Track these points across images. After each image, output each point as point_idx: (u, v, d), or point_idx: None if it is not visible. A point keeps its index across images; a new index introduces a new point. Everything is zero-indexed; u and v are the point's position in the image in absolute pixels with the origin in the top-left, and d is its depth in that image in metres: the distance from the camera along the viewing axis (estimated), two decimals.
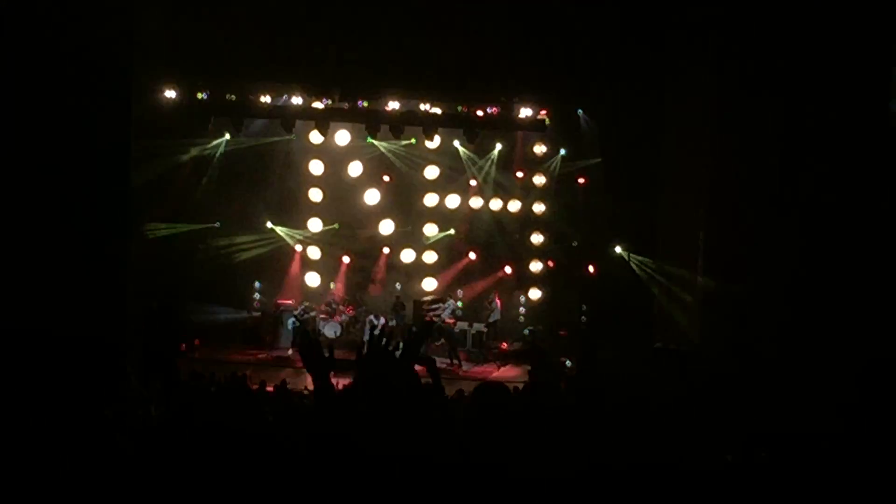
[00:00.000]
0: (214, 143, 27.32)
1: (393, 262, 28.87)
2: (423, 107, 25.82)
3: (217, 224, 27.79)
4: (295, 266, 28.99)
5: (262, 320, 28.35)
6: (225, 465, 7.41)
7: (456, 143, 27.45)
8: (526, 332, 27.66)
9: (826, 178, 19.89)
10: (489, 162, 27.69)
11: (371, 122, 26.28)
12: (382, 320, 27.19)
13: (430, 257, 28.82)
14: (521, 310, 28.52)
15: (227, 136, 27.32)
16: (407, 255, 28.80)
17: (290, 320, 27.25)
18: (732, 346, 20.58)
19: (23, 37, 20.69)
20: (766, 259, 20.72)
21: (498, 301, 27.79)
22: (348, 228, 28.82)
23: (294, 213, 28.71)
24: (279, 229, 28.49)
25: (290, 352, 26.69)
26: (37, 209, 21.17)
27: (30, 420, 10.08)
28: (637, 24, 22.40)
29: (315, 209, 28.72)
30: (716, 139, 21.97)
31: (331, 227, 28.70)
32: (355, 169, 28.41)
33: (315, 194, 28.61)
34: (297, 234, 28.65)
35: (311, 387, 6.00)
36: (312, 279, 29.02)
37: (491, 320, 27.60)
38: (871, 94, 19.45)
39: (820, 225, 19.99)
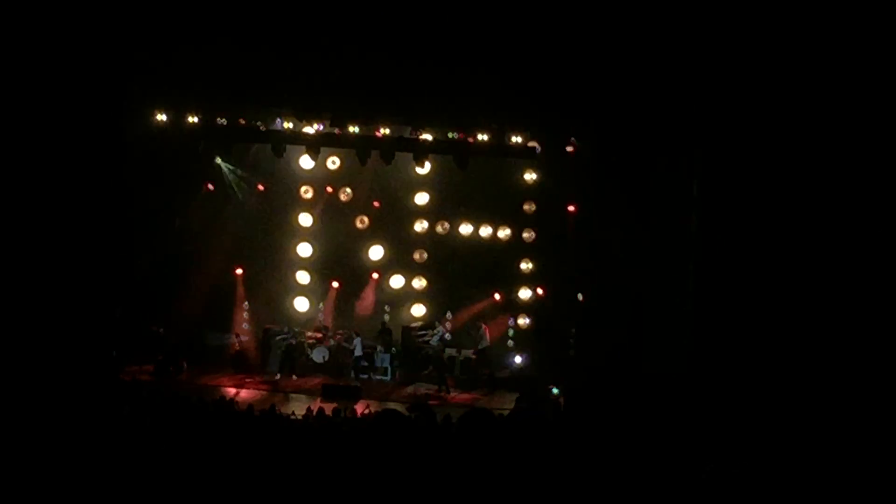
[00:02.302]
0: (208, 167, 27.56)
1: (382, 288, 28.85)
2: (414, 133, 25.96)
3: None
4: (283, 290, 28.98)
5: (250, 344, 28.29)
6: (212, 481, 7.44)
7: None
8: (518, 359, 27.59)
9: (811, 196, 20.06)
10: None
11: (362, 148, 26.36)
12: (357, 343, 27.18)
13: (419, 283, 28.81)
14: (510, 332, 28.49)
15: (219, 159, 27.47)
16: (396, 281, 28.80)
17: (280, 341, 27.32)
18: (723, 374, 20.63)
19: (17, 60, 20.74)
20: (757, 288, 20.80)
21: (486, 329, 27.75)
22: (338, 253, 28.81)
23: (284, 237, 28.75)
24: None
25: (277, 376, 26.70)
26: (29, 229, 21.20)
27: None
28: (628, 59, 22.47)
29: (305, 234, 28.74)
30: (706, 166, 22.11)
31: (319, 251, 28.74)
32: (346, 194, 28.44)
33: (305, 219, 28.62)
34: None
35: (298, 412, 6.03)
36: (301, 304, 29.00)
37: (480, 347, 27.59)
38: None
39: (813, 243, 20.10)
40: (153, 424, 13.73)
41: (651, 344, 23.45)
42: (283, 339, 27.33)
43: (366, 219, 28.53)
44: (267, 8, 22.46)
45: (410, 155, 26.62)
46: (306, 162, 27.54)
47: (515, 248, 28.13)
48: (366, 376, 27.11)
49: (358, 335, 27.49)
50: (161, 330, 26.84)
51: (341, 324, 28.44)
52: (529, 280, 28.11)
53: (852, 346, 19.03)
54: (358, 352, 27.21)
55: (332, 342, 27.64)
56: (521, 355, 27.43)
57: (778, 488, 9.81)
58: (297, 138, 26.36)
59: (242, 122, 25.95)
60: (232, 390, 24.54)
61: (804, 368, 19.38)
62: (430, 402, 22.69)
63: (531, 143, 26.01)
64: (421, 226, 28.50)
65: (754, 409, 18.42)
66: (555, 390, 24.84)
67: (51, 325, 20.67)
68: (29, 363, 18.48)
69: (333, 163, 28.03)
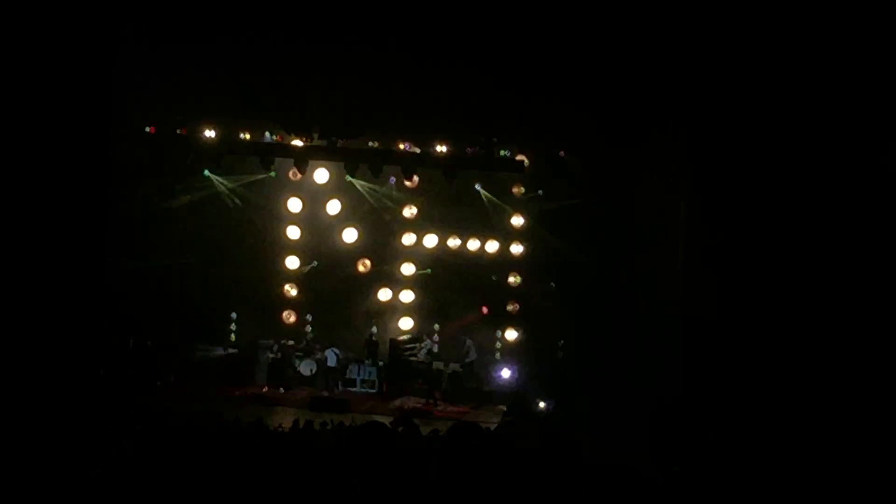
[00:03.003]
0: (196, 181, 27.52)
1: (369, 301, 28.82)
2: (403, 146, 25.97)
3: (192, 261, 27.79)
4: (272, 303, 28.94)
5: (238, 357, 28.23)
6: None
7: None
8: (506, 373, 27.48)
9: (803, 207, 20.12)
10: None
11: (350, 161, 26.38)
12: (330, 354, 27.26)
13: (406, 296, 28.81)
14: (498, 345, 28.48)
15: (207, 172, 27.41)
16: (384, 294, 28.79)
17: (267, 355, 27.27)
18: (712, 389, 20.66)
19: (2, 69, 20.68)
20: (747, 305, 20.85)
21: (471, 343, 27.72)
22: (326, 266, 28.80)
23: (272, 250, 28.71)
24: None
25: (265, 388, 26.66)
26: (13, 239, 21.11)
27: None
28: (616, 73, 22.52)
29: (293, 247, 28.73)
30: (691, 184, 22.18)
31: (309, 265, 28.70)
32: (334, 207, 28.46)
33: (293, 232, 28.63)
34: None
35: (286, 424, 6.06)
36: (289, 316, 28.97)
37: (467, 360, 27.57)
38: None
39: (802, 260, 20.15)
40: (140, 437, 13.69)
41: (640, 358, 23.49)
42: (271, 352, 27.29)
43: (354, 232, 28.54)
44: (255, 20, 22.47)
45: (398, 168, 26.69)
46: (294, 174, 27.52)
47: (503, 261, 28.16)
48: (344, 388, 27.18)
49: (332, 347, 27.53)
50: (149, 342, 26.76)
51: (328, 336, 28.41)
52: (517, 294, 28.12)
53: (843, 366, 19.07)
54: (331, 363, 27.31)
55: (319, 354, 27.65)
56: (508, 369, 27.39)
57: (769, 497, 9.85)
58: (285, 151, 26.36)
59: (231, 134, 25.97)
60: (219, 403, 24.43)
61: (793, 383, 19.43)
62: (418, 416, 22.60)
63: (519, 157, 26.06)
64: (409, 239, 28.51)
65: (743, 423, 18.47)
66: (542, 404, 24.82)
67: (36, 337, 20.57)
68: (12, 376, 18.39)
69: (322, 175, 28.03)
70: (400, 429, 6.48)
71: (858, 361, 18.88)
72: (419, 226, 28.46)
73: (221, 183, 27.72)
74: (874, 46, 18.91)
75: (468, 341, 27.67)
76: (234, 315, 28.91)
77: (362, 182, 27.62)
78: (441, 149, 25.83)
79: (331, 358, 27.47)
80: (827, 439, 16.18)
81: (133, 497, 8.66)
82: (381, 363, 27.76)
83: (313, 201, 28.46)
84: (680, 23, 21.04)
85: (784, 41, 19.74)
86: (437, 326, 28.48)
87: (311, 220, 28.64)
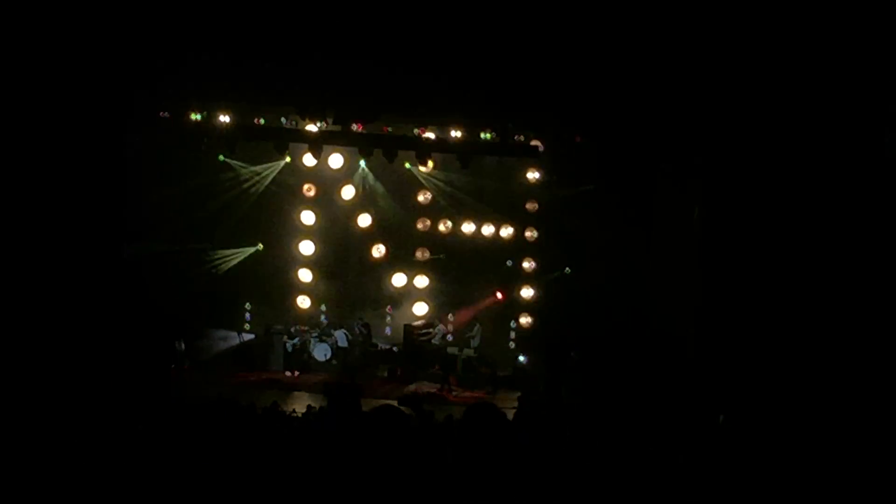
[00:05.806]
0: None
1: (383, 286, 28.84)
2: (418, 131, 25.91)
3: (210, 245, 27.83)
4: (286, 288, 28.97)
5: (253, 342, 28.29)
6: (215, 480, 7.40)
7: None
8: (522, 359, 27.43)
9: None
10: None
11: (364, 146, 26.32)
12: (340, 335, 27.51)
13: (421, 282, 28.82)
14: (512, 335, 28.49)
15: (222, 157, 27.40)
16: (398, 280, 28.80)
17: (287, 342, 27.33)
18: (726, 379, 20.63)
19: (18, 58, 20.71)
20: (761, 286, 20.82)
21: (478, 328, 27.81)
22: (340, 251, 28.82)
23: (286, 235, 28.72)
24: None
25: (280, 374, 26.74)
26: (28, 226, 21.17)
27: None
28: (635, 59, 22.41)
29: (307, 232, 28.73)
30: (707, 173, 22.15)
31: (321, 249, 28.74)
32: (348, 192, 28.44)
33: (307, 217, 28.62)
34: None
35: (300, 409, 6.05)
36: (303, 301, 29.00)
37: (473, 345, 27.60)
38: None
39: (814, 259, 20.11)
40: (155, 423, 13.71)
41: (653, 342, 23.46)
42: (288, 337, 27.37)
43: (368, 217, 28.53)
44: (271, 7, 22.43)
45: (413, 153, 26.64)
46: (309, 160, 27.50)
47: (518, 246, 28.13)
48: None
49: (341, 328, 27.71)
50: (164, 328, 26.77)
51: (340, 321, 28.48)
52: (531, 279, 28.09)
53: (852, 358, 19.06)
54: (342, 343, 27.45)
55: (331, 338, 27.74)
56: (524, 354, 27.34)
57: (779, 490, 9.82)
58: (299, 136, 26.31)
59: (245, 119, 25.93)
60: (234, 389, 24.46)
61: (803, 374, 19.43)
62: (433, 402, 22.62)
63: (534, 142, 25.98)
64: (423, 224, 28.50)
65: (757, 414, 18.44)
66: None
67: (52, 325, 20.65)
68: (31, 364, 18.46)
69: (336, 160, 28.01)
70: (406, 410, 6.47)
71: (871, 353, 18.87)
72: (433, 211, 28.43)
73: (241, 166, 27.79)
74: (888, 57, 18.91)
75: (476, 326, 27.74)
76: (248, 306, 28.97)
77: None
78: (456, 134, 25.70)
79: (341, 339, 27.61)
80: (838, 428, 16.13)
81: (147, 483, 8.66)
82: (375, 346, 28.06)
83: (327, 186, 28.44)
84: (698, 27, 20.98)
85: (799, 51, 19.70)
86: (451, 317, 28.55)
87: (326, 205, 28.62)
